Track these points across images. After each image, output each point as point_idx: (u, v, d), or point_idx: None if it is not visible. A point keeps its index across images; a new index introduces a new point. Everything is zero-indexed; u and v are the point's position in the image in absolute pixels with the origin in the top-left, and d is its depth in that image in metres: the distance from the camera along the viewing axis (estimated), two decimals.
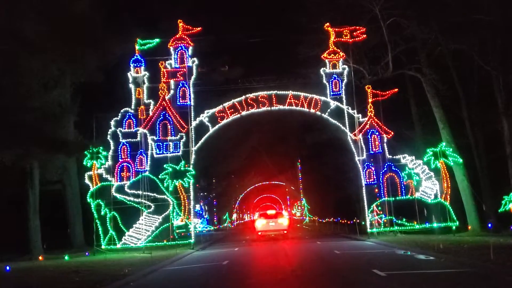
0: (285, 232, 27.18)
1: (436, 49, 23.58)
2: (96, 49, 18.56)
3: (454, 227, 21.96)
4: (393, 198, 22.34)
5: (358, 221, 25.86)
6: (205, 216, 53.40)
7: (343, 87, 23.31)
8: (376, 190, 22.76)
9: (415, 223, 22.06)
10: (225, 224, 59.27)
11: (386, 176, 22.55)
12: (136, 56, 23.03)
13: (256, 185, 71.12)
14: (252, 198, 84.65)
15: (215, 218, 59.55)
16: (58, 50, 16.19)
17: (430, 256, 13.79)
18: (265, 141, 49.79)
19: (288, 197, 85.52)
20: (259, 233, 27.36)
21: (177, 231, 21.76)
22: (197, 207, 51.45)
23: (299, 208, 73.55)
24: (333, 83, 23.34)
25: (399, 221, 22.28)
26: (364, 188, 22.65)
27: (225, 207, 63.15)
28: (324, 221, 43.26)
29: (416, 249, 15.69)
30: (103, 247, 21.27)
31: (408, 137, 28.40)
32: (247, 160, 53.10)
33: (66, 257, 18.79)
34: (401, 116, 27.71)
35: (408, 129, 28.51)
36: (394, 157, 22.94)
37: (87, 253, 20.35)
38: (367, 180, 22.60)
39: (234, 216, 74.89)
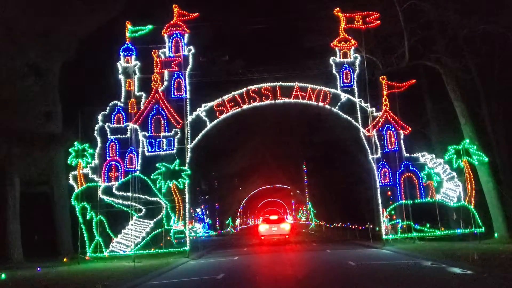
0: (287, 236, 27.97)
1: (459, 34, 21.25)
2: (69, 20, 16.24)
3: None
4: (411, 201, 20.03)
5: (371, 226, 23.60)
6: (206, 221, 51.26)
7: (355, 78, 21.15)
8: (389, 192, 20.54)
9: (442, 229, 19.67)
10: (228, 229, 56.98)
11: (403, 177, 20.27)
12: (127, 44, 20.97)
13: (260, 188, 69.11)
14: (256, 202, 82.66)
15: (217, 223, 57.34)
16: (26, 23, 14.02)
17: (467, 269, 11.50)
18: (268, 142, 47.76)
19: (293, 201, 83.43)
20: (262, 237, 28.05)
21: (176, 236, 19.60)
22: (198, 211, 49.46)
23: (305, 212, 71.39)
24: (344, 73, 21.16)
25: (420, 227, 19.93)
26: (378, 189, 20.39)
27: (227, 212, 61.01)
28: (331, 226, 40.98)
29: (444, 259, 13.43)
30: (88, 255, 19.16)
31: (423, 135, 26.30)
32: (250, 163, 51.10)
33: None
34: (416, 113, 25.60)
35: (423, 127, 26.42)
36: (412, 155, 20.68)
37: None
38: (382, 181, 20.34)
39: (238, 220, 72.72)
